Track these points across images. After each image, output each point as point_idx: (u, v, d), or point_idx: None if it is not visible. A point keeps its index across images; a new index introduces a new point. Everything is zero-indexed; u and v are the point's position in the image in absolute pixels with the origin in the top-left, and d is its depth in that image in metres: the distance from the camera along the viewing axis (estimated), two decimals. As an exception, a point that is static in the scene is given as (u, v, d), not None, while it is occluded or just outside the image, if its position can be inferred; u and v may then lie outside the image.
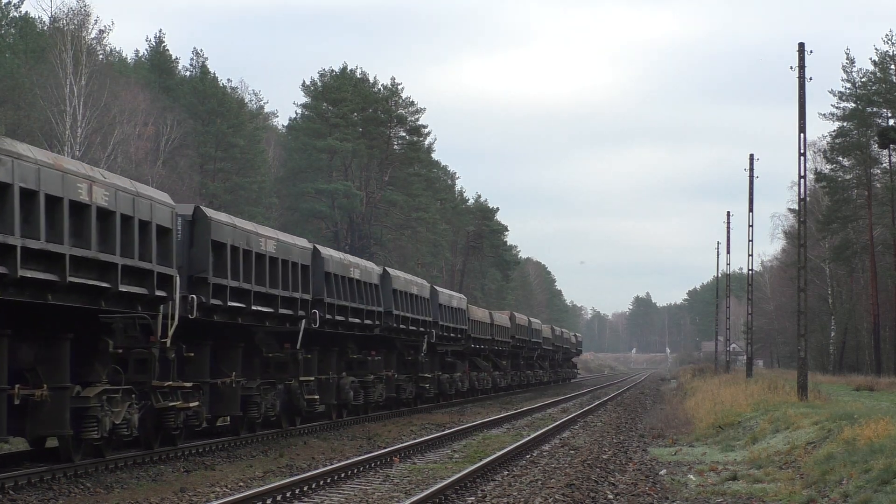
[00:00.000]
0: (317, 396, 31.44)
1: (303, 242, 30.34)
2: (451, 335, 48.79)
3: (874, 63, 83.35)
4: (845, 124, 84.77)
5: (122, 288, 19.87)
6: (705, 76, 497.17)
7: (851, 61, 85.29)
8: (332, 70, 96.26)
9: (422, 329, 42.98)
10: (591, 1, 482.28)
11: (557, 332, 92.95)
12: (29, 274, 17.41)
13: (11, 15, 67.62)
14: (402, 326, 39.84)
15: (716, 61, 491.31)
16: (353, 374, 35.97)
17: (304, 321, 29.60)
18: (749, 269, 70.29)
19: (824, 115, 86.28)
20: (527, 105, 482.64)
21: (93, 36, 66.53)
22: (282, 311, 27.81)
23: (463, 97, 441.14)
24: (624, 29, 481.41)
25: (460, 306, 51.59)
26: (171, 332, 21.94)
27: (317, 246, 31.88)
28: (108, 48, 76.77)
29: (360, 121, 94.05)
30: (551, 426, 34.25)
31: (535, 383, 77.91)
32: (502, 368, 63.60)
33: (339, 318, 32.85)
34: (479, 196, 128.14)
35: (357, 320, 34.47)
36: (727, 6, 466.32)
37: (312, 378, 31.28)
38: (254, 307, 26.12)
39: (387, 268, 39.66)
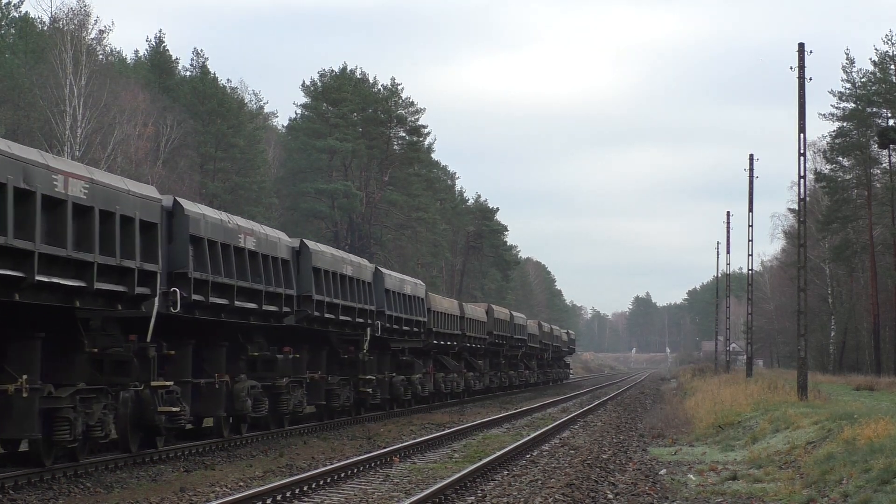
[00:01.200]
0: (177, 408, 23.10)
1: (148, 191, 21.72)
2: (406, 328, 40.42)
3: (874, 63, 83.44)
4: (845, 124, 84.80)
5: None
6: (706, 77, 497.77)
7: (851, 61, 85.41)
8: (332, 70, 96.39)
9: (360, 320, 34.33)
10: (593, 2, 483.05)
11: (546, 328, 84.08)
12: None
13: (11, 15, 67.64)
14: (329, 316, 31.34)
15: (717, 62, 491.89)
16: (257, 377, 28.01)
17: (155, 303, 21.54)
18: (749, 269, 70.36)
19: (824, 115, 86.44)
20: (528, 105, 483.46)
21: (93, 36, 66.58)
22: (102, 285, 19.42)
23: (465, 97, 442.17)
24: (625, 30, 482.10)
25: (416, 293, 42.59)
26: None
27: (179, 200, 23.81)
28: (107, 48, 76.83)
29: (359, 121, 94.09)
30: (551, 426, 34.25)
31: (519, 385, 71.08)
32: (478, 369, 56.69)
33: (217, 300, 24.34)
34: (479, 196, 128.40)
35: (251, 305, 26.02)
36: (729, 7, 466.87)
37: (171, 382, 23.38)
38: (40, 278, 17.64)
39: (305, 240, 30.78)
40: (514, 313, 68.41)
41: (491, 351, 60.83)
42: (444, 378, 49.45)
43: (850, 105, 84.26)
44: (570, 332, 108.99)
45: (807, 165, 42.01)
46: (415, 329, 41.92)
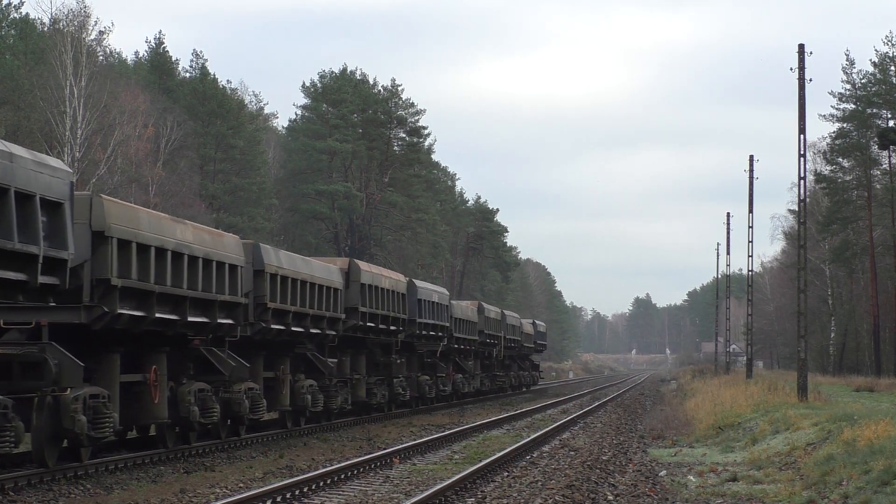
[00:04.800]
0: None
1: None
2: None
3: (874, 64, 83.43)
4: (845, 125, 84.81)
5: None
6: (709, 79, 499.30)
7: (851, 63, 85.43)
8: (332, 71, 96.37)
9: None
10: (602, 5, 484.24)
11: (493, 314, 59.76)
12: None
13: (12, 16, 67.63)
14: None
15: (719, 65, 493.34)
16: None
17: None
18: (749, 270, 70.34)
19: (824, 116, 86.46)
20: (534, 107, 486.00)
21: (93, 37, 66.51)
22: None
23: (472, 99, 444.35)
24: (633, 33, 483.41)
25: (45, 192, 17.91)
26: None
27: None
28: (108, 49, 76.81)
29: (359, 122, 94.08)
30: (551, 427, 34.25)
31: (442, 398, 49.14)
32: (328, 372, 33.61)
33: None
34: (479, 197, 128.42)
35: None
36: (733, 10, 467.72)
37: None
38: None
39: None
40: (422, 284, 44.87)
41: (374, 343, 39.05)
42: (208, 395, 25.24)
43: (851, 106, 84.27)
44: (537, 322, 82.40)
45: (807, 166, 42.02)
46: (45, 280, 18.10)
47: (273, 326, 28.58)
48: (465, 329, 52.06)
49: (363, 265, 36.64)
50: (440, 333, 46.09)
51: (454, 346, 50.38)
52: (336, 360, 34.95)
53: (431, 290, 45.73)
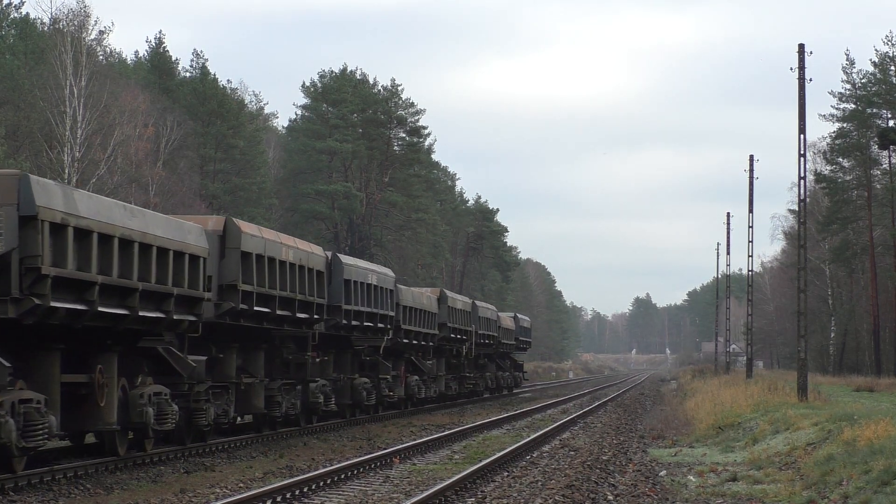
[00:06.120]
0: None
1: None
2: None
3: (874, 64, 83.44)
4: (845, 125, 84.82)
5: None
6: (710, 80, 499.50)
7: (851, 62, 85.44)
8: (332, 71, 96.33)
9: None
10: (604, 6, 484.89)
11: (461, 305, 51.43)
12: None
13: (12, 16, 67.64)
14: None
15: (722, 65, 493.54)
16: None
17: None
18: (749, 270, 70.37)
19: (824, 116, 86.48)
20: (536, 108, 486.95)
21: (93, 37, 66.50)
22: None
23: (473, 99, 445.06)
24: (635, 34, 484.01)
25: None
26: None
27: None
28: (108, 49, 76.80)
29: (359, 122, 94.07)
30: (551, 427, 34.25)
31: (390, 404, 41.61)
32: (190, 374, 24.38)
33: None
34: (479, 197, 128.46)
35: None
36: (737, 11, 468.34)
37: None
38: None
39: None
40: (351, 261, 35.27)
41: (281, 336, 29.82)
42: None
43: (851, 106, 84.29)
44: (520, 316, 72.98)
45: (807, 166, 42.05)
46: None
47: (59, 305, 18.43)
48: (420, 320, 42.97)
49: (248, 227, 26.63)
50: (381, 325, 36.40)
51: (404, 342, 41.22)
52: (204, 358, 25.08)
53: (366, 269, 35.92)
